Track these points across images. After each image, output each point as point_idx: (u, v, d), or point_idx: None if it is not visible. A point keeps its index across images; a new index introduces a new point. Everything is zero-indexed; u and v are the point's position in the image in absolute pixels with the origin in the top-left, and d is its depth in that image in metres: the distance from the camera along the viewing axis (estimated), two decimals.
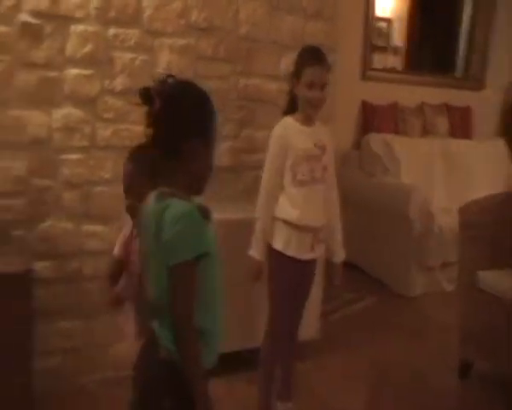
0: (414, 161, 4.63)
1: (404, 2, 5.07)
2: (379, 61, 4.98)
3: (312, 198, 2.32)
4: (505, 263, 2.94)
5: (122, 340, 2.63)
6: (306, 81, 2.23)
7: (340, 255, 2.50)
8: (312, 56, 2.27)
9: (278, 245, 2.32)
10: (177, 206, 1.37)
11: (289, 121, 2.32)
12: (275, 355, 2.45)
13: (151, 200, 1.45)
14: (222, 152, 2.89)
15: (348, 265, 4.40)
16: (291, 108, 2.33)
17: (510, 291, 2.77)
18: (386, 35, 5.03)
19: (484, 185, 4.61)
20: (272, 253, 2.33)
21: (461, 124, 5.21)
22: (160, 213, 1.38)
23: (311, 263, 2.40)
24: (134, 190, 1.76)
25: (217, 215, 2.65)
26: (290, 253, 2.31)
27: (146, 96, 1.40)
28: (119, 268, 1.88)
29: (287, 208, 2.30)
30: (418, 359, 3.21)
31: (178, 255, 1.36)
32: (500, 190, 4.52)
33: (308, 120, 2.31)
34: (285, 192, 2.31)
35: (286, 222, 2.30)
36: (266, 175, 2.32)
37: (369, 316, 3.79)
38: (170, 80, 1.43)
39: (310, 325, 3.07)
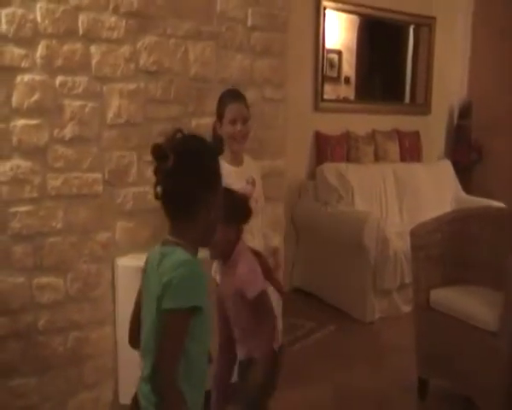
0: (367, 187, 4.74)
1: (353, 34, 5.22)
2: (331, 91, 5.09)
3: (249, 233, 2.37)
4: (456, 279, 3.05)
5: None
6: (229, 118, 2.40)
7: (272, 242, 2.63)
8: (231, 95, 2.47)
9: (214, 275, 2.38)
10: (179, 254, 1.40)
11: (221, 164, 2.37)
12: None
13: (157, 247, 1.48)
14: None
15: (306, 294, 4.53)
16: (219, 149, 2.44)
17: (459, 308, 2.87)
18: (337, 66, 5.16)
19: (434, 205, 4.78)
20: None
21: (410, 148, 5.38)
22: (161, 259, 1.41)
23: None
24: None
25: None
26: None
27: (159, 152, 1.41)
28: None
29: None
30: (379, 383, 3.24)
31: (173, 301, 1.35)
32: (449, 208, 4.71)
33: (236, 158, 2.46)
34: None
35: None
36: None
37: (328, 345, 3.82)
38: (178, 135, 1.46)
39: None
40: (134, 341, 1.54)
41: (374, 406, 3.03)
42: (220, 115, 2.44)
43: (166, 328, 1.36)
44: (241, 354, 2.23)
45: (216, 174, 1.48)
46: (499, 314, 2.66)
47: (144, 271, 1.52)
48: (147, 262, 1.52)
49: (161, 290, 1.36)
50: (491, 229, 3.18)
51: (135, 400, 1.47)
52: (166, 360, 1.35)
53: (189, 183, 1.41)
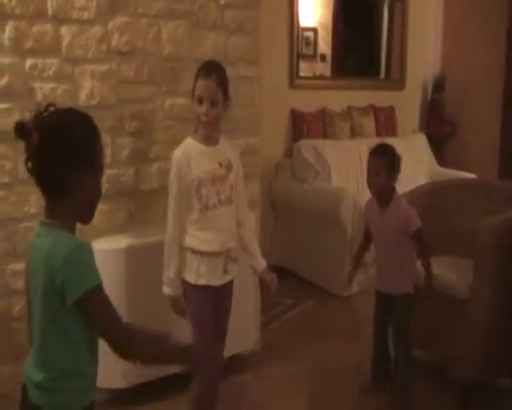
0: (344, 163, 4.77)
1: (328, 11, 5.21)
2: (307, 69, 5.09)
3: (220, 221, 2.25)
4: (432, 250, 3.11)
5: None
6: (196, 96, 2.17)
7: (260, 265, 2.42)
8: (203, 70, 2.20)
9: (189, 277, 2.26)
10: (66, 244, 1.37)
11: (190, 142, 2.24)
12: (209, 391, 2.37)
13: (36, 233, 1.43)
14: (151, 174, 2.89)
15: (284, 271, 4.58)
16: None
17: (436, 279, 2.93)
18: (313, 44, 5.15)
19: (409, 178, 4.80)
20: (185, 285, 2.27)
21: (385, 123, 5.42)
22: (49, 252, 1.35)
23: (225, 286, 2.35)
24: None
25: (147, 238, 2.71)
26: (202, 282, 2.25)
27: (21, 130, 1.35)
28: None
29: (194, 237, 2.24)
30: (357, 357, 3.30)
31: (83, 287, 1.34)
32: (424, 181, 4.76)
33: (209, 138, 2.23)
34: (191, 219, 2.23)
35: (194, 251, 2.24)
36: (172, 205, 2.22)
37: (306, 320, 3.88)
38: (48, 110, 1.39)
39: (249, 337, 3.12)
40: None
41: (352, 379, 3.10)
42: (192, 90, 2.21)
43: (95, 308, 1.38)
44: (395, 289, 2.68)
45: (89, 150, 1.42)
46: (470, 282, 2.73)
47: (29, 261, 1.45)
48: (30, 253, 1.44)
49: (60, 288, 1.34)
50: (465, 199, 3.25)
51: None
52: (116, 325, 1.41)
53: (56, 161, 1.36)
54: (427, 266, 2.67)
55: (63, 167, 1.37)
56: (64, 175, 1.37)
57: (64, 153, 1.36)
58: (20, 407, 1.52)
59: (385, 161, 2.63)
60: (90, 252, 1.42)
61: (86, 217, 1.49)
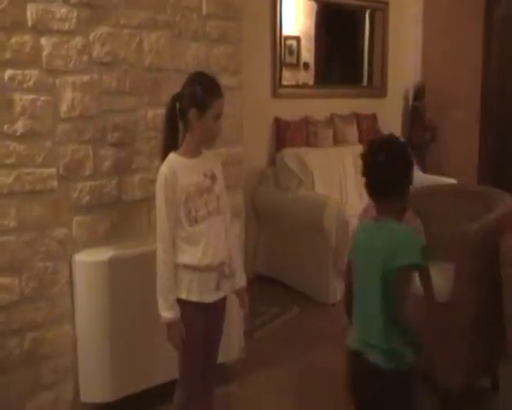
0: (327, 171, 4.79)
1: (311, 20, 5.25)
2: (290, 77, 5.11)
3: (211, 233, 2.21)
4: None
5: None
6: (215, 113, 2.18)
7: (239, 283, 2.39)
8: (218, 87, 2.22)
9: (181, 293, 2.19)
10: (403, 226, 1.89)
11: (173, 158, 2.22)
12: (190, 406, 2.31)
13: (372, 223, 1.93)
14: (133, 185, 2.88)
15: (269, 280, 4.57)
16: (172, 143, 2.25)
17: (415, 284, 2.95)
18: (296, 52, 5.18)
19: None
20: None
21: (368, 130, 5.45)
22: (385, 232, 1.85)
23: (218, 303, 2.29)
24: None
25: (130, 250, 2.70)
26: (193, 298, 2.20)
27: (373, 148, 1.92)
28: None
29: (185, 252, 2.20)
30: (342, 363, 3.29)
31: (408, 258, 1.79)
32: None
33: (193, 150, 2.24)
34: (181, 235, 2.19)
35: (186, 266, 2.19)
36: (164, 224, 2.16)
37: (292, 328, 3.88)
38: (390, 139, 2.00)
39: (234, 346, 3.11)
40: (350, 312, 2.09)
41: (338, 385, 3.08)
42: (204, 106, 2.15)
43: (404, 280, 1.84)
44: None
45: (411, 167, 1.92)
46: (451, 286, 2.75)
47: (356, 248, 1.96)
48: (359, 239, 1.98)
49: (391, 254, 1.79)
50: (445, 205, 3.29)
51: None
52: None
53: (394, 172, 1.87)
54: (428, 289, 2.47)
55: (398, 176, 1.89)
56: (395, 182, 1.89)
57: (400, 167, 1.89)
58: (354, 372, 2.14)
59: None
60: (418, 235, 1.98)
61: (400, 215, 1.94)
